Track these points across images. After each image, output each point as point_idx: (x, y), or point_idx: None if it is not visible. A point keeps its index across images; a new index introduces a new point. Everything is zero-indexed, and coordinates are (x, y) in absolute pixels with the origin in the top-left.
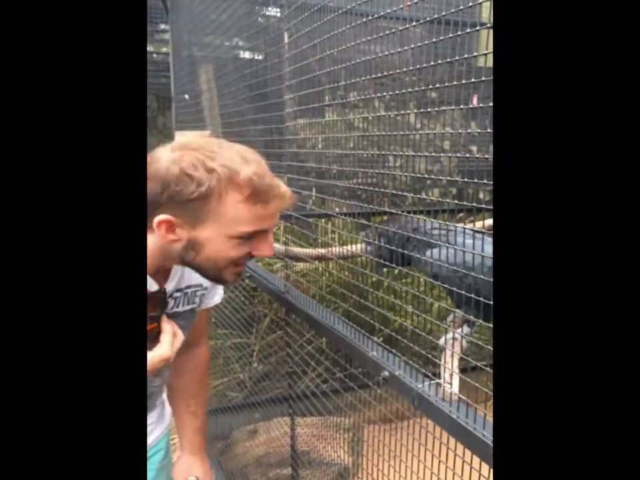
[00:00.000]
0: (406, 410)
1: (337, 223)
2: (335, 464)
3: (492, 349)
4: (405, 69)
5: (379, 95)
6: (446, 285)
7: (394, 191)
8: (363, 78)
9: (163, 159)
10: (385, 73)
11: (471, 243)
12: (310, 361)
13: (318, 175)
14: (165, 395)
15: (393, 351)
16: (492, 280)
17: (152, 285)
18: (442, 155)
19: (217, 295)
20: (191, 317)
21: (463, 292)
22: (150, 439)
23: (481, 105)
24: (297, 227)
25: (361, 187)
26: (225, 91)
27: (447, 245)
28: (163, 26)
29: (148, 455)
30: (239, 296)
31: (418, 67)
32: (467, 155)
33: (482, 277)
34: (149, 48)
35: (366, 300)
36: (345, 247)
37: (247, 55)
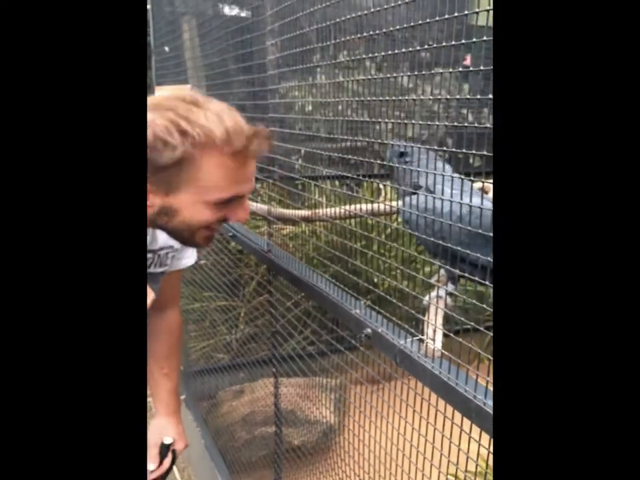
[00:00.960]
0: (392, 371)
1: (325, 187)
2: (320, 423)
3: (486, 309)
4: (397, 27)
5: (370, 55)
6: (416, 233)
7: (383, 156)
8: (353, 36)
9: None
10: (377, 31)
11: (447, 191)
12: (297, 324)
13: (306, 139)
14: None
15: (376, 308)
16: (462, 228)
17: None
18: (431, 123)
19: (189, 257)
20: (163, 276)
21: (430, 239)
22: None
23: (471, 68)
24: (283, 189)
25: (349, 155)
26: (208, 46)
27: (419, 192)
28: None
29: None
30: (224, 259)
31: (412, 24)
32: (460, 123)
33: (449, 222)
34: None
35: (354, 263)
36: (345, 207)
37: (232, 11)
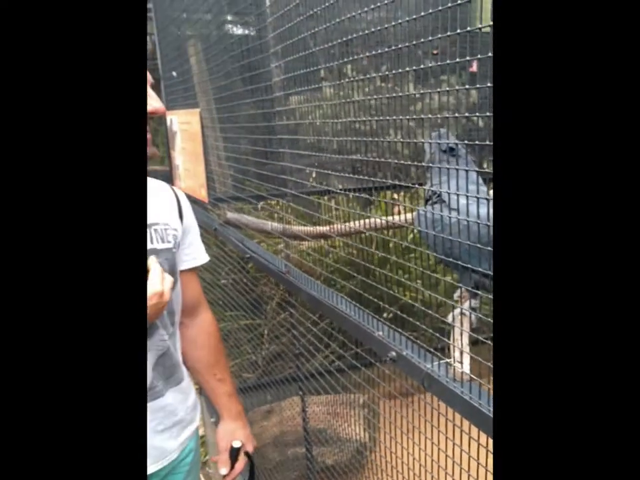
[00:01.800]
0: (421, 385)
1: (340, 200)
2: (352, 440)
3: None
4: (402, 42)
5: (375, 70)
6: (429, 244)
7: (396, 161)
8: (359, 54)
9: None
10: (382, 46)
11: (462, 201)
12: (323, 337)
13: (317, 151)
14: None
15: (399, 330)
16: (469, 243)
17: None
18: (439, 130)
19: (199, 254)
20: (171, 258)
21: (442, 256)
22: (183, 436)
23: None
24: (298, 205)
25: (364, 158)
26: (215, 69)
27: (433, 204)
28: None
29: (179, 457)
30: (243, 279)
31: (415, 41)
32: (468, 121)
33: (450, 237)
34: None
35: (372, 278)
36: (357, 222)
37: (238, 30)
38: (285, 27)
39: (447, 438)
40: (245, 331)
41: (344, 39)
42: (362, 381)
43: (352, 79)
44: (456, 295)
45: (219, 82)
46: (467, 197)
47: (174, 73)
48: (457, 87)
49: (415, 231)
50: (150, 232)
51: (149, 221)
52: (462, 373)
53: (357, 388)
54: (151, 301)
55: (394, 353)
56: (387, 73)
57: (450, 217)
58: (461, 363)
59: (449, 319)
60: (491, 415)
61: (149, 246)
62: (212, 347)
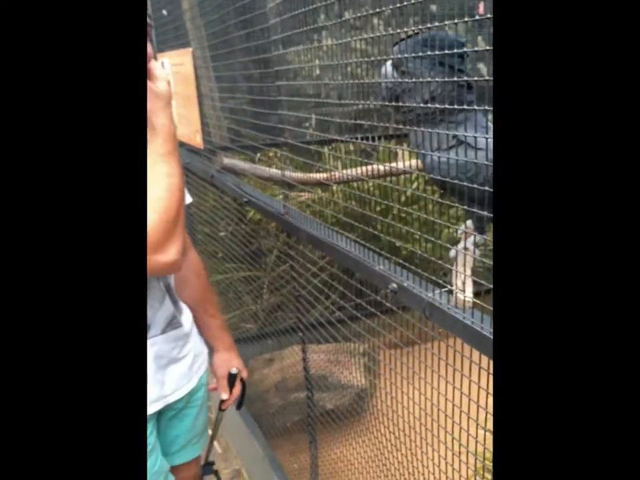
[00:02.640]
0: (425, 328)
1: (340, 148)
2: (353, 386)
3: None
4: None
5: (377, 10)
6: (446, 179)
7: (401, 104)
8: None
9: None
10: None
11: (480, 137)
12: (323, 288)
13: (316, 105)
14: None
15: (400, 261)
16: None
17: None
18: (448, 79)
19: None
20: None
21: (474, 192)
22: (196, 364)
23: (488, 15)
24: (297, 155)
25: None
26: (209, 11)
27: (455, 145)
28: None
29: (194, 387)
30: (244, 229)
31: None
32: (475, 78)
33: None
34: None
35: (374, 229)
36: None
37: None
38: None
39: (447, 382)
40: (245, 282)
41: None
42: (362, 330)
43: (352, 24)
44: (460, 232)
45: (213, 23)
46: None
47: (164, 12)
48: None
49: (420, 179)
50: None
51: None
52: (464, 300)
53: (358, 337)
54: (166, 86)
55: (395, 285)
56: (386, 14)
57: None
58: (464, 290)
59: (452, 253)
60: (492, 337)
61: None
62: (201, 284)
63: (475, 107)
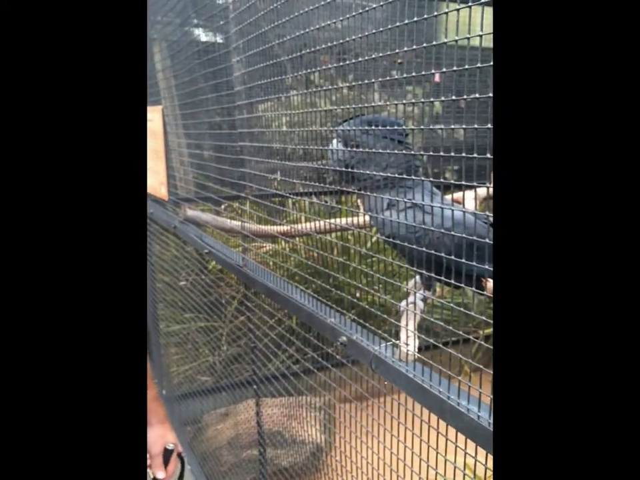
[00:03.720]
0: (380, 386)
1: (303, 205)
2: (308, 443)
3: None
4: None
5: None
6: (404, 244)
7: (362, 171)
8: (325, 60)
9: None
10: (344, 42)
11: (429, 202)
12: (280, 342)
13: (282, 156)
14: None
15: (349, 314)
16: (449, 239)
17: None
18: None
19: None
20: None
21: (422, 250)
22: None
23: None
24: (260, 208)
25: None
26: (178, 67)
27: (405, 204)
28: None
29: None
30: (204, 280)
31: (381, 52)
32: (432, 131)
33: (442, 231)
34: None
35: (336, 277)
36: (320, 221)
37: (203, 36)
38: (250, 33)
39: (398, 441)
40: (204, 333)
41: (310, 48)
42: (316, 385)
43: (318, 86)
44: (410, 285)
45: (184, 84)
46: (439, 203)
47: None
48: (421, 99)
49: (375, 237)
50: None
51: None
52: (407, 353)
53: (313, 391)
54: None
55: (344, 338)
56: (352, 83)
57: (441, 214)
58: (407, 344)
59: (402, 305)
60: (433, 391)
61: None
62: None
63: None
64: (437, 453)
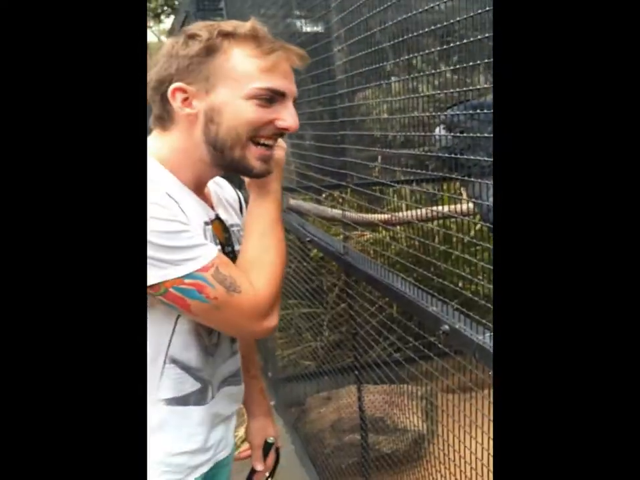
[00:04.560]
0: (485, 377)
1: (404, 193)
2: (411, 431)
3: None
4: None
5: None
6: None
7: (465, 156)
8: (427, 43)
9: (168, 41)
10: (448, 28)
11: None
12: (382, 330)
13: (383, 143)
14: None
15: (452, 303)
16: None
17: (207, 210)
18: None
19: None
20: None
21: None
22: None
23: None
24: (361, 197)
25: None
26: None
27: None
28: (222, 4)
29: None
30: (306, 267)
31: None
32: None
33: None
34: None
35: (436, 270)
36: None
37: (304, 26)
38: (351, 21)
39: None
40: (306, 319)
41: (413, 32)
42: (418, 374)
43: (420, 71)
44: None
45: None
46: None
47: None
48: None
49: (480, 224)
50: (233, 232)
51: (230, 222)
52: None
53: (415, 380)
54: (282, 152)
55: (447, 327)
56: (456, 66)
57: None
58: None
59: None
60: None
61: (236, 247)
62: (247, 345)
63: None
64: None
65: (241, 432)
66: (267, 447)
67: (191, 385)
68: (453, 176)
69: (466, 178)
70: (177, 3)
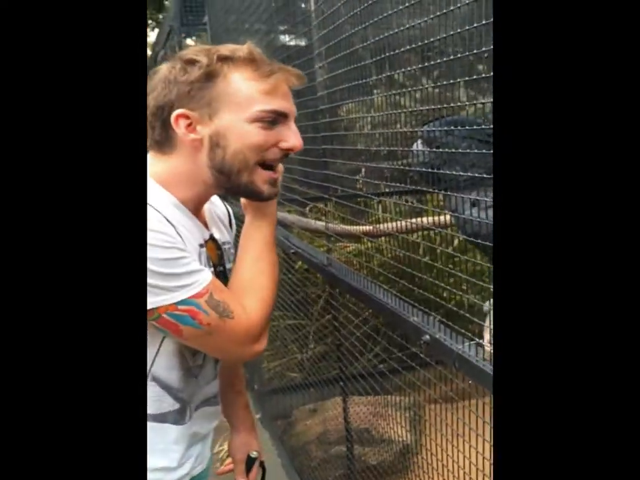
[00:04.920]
0: (468, 388)
1: (386, 205)
2: (396, 442)
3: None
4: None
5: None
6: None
7: (447, 172)
8: (408, 58)
9: (163, 67)
10: (427, 43)
11: None
12: (366, 342)
13: (366, 156)
14: None
15: (433, 314)
16: None
17: (202, 231)
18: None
19: None
20: None
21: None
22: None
23: None
24: (344, 209)
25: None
26: None
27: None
28: (205, 19)
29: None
30: (291, 279)
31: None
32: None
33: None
34: (191, 42)
35: (421, 277)
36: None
37: (286, 42)
38: (332, 39)
39: (485, 442)
40: (291, 330)
41: (393, 48)
42: (403, 385)
43: (402, 85)
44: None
45: None
46: None
47: None
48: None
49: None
50: (225, 250)
51: (222, 240)
52: (492, 352)
53: (400, 391)
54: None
55: (427, 337)
56: (436, 81)
57: None
58: (491, 344)
59: (486, 305)
60: None
61: (227, 266)
62: None
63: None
64: None
65: (227, 446)
66: (249, 462)
67: (170, 405)
68: (429, 190)
69: (447, 192)
70: (160, 17)
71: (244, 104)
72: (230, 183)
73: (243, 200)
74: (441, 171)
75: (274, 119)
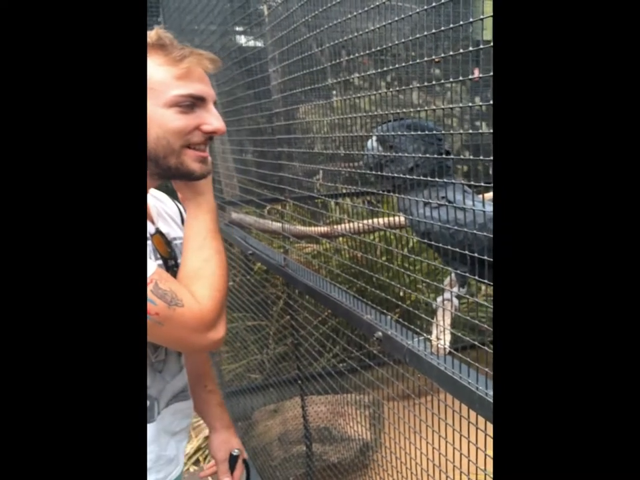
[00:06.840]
0: (426, 386)
1: (345, 207)
2: (356, 440)
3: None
4: (403, 43)
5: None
6: (440, 244)
7: (401, 175)
8: (362, 61)
9: None
10: (384, 48)
11: (461, 199)
12: (325, 342)
13: (323, 157)
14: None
15: (387, 313)
16: (484, 235)
17: (147, 225)
18: (450, 132)
19: None
20: None
21: (456, 249)
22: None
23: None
24: (302, 210)
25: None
26: (221, 77)
27: (438, 202)
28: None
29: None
30: (250, 280)
31: (420, 51)
32: (471, 131)
33: (474, 232)
34: None
35: (378, 278)
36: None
37: (241, 45)
38: (286, 37)
39: (446, 441)
40: (252, 332)
41: (349, 51)
42: (362, 383)
43: (357, 87)
44: (445, 282)
45: (225, 93)
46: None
47: None
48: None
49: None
50: (176, 245)
51: (173, 235)
52: (439, 347)
53: (359, 390)
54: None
55: (380, 333)
56: (389, 77)
57: (473, 213)
58: (440, 339)
59: (437, 301)
60: (465, 384)
61: (179, 261)
62: (202, 358)
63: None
64: (486, 455)
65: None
66: (232, 460)
67: None
68: (379, 192)
69: (395, 191)
70: None
71: (159, 90)
72: (159, 167)
73: (180, 195)
74: (380, 173)
75: (191, 103)
